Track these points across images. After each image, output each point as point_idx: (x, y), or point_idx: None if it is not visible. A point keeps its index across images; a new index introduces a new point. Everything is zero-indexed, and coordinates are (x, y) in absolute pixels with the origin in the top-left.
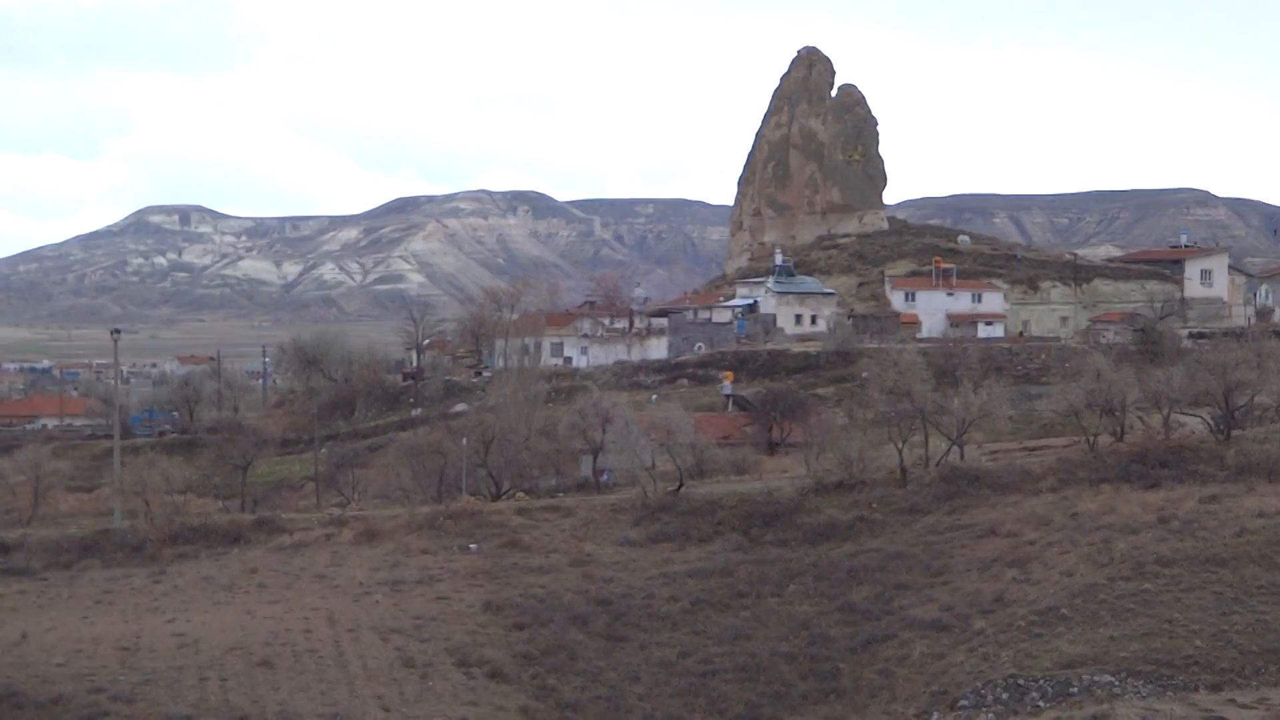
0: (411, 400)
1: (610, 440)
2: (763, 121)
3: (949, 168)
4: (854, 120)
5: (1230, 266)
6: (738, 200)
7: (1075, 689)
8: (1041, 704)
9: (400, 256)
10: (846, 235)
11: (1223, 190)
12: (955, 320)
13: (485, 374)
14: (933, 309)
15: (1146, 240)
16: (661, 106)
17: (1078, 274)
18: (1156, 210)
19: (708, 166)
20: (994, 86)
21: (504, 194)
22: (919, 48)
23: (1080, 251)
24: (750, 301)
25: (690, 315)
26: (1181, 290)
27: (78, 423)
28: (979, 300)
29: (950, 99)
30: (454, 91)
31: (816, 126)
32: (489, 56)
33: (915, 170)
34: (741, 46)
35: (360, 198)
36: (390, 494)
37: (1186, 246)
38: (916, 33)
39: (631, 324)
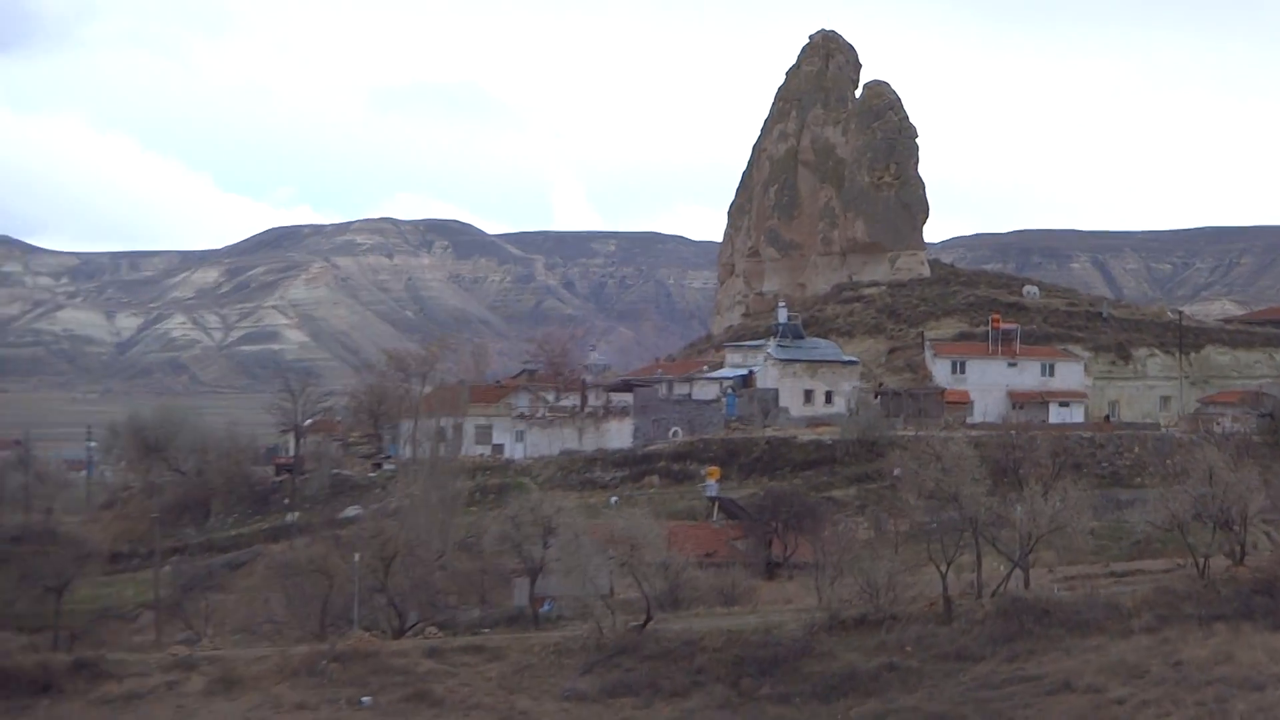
0: (287, 501)
1: (554, 558)
2: (762, 131)
3: (1012, 195)
4: (885, 129)
5: None
6: (728, 236)
7: None
8: None
9: (275, 307)
10: (874, 284)
11: None
12: (1019, 400)
13: (387, 467)
14: (989, 384)
15: (1275, 294)
16: (628, 110)
17: (1184, 339)
18: None
19: (688, 190)
20: (1074, 89)
21: (415, 224)
22: (973, 35)
23: (1187, 309)
24: (744, 372)
25: (663, 390)
26: None
27: None
28: (1051, 373)
29: (1015, 104)
30: (349, 87)
31: (835, 137)
32: (395, 40)
33: (967, 198)
34: (735, 30)
35: (222, 228)
36: (256, 628)
37: None
38: (969, 15)
39: (584, 401)
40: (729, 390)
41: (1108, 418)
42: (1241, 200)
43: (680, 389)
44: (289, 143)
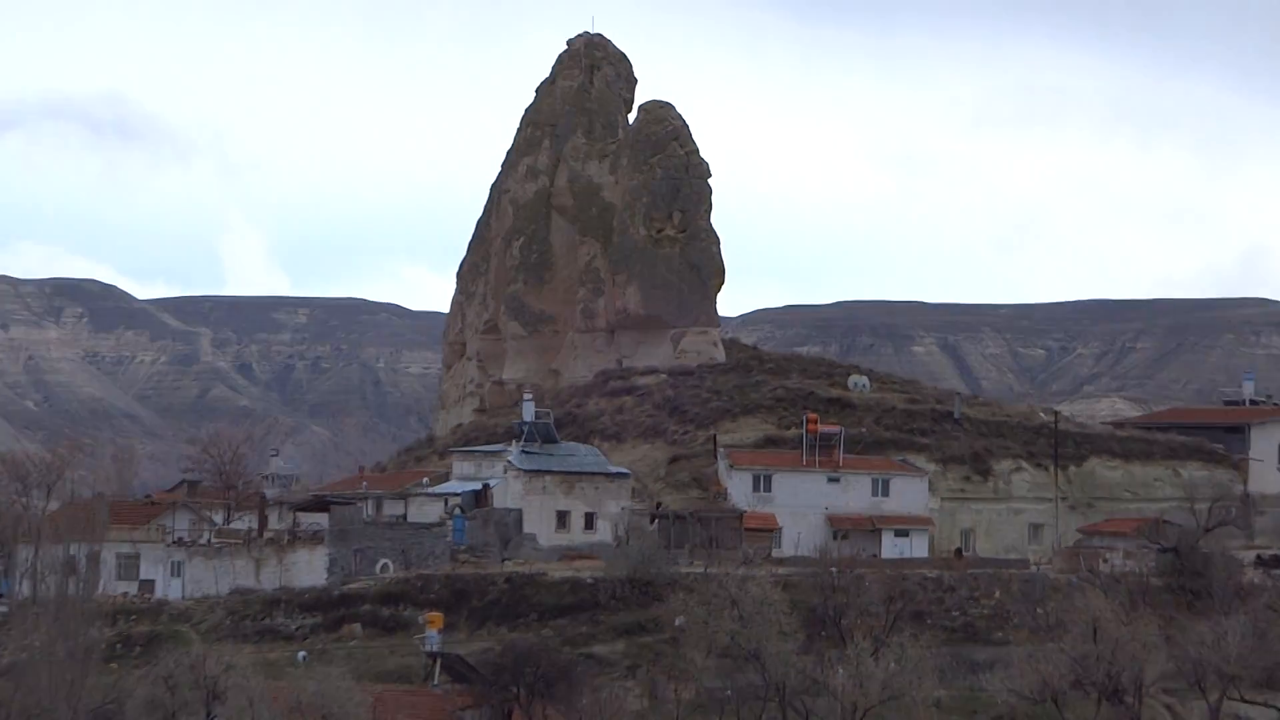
0: None
1: None
2: (504, 166)
3: (835, 256)
4: (667, 166)
5: None
6: (457, 305)
7: None
8: None
9: None
10: (652, 371)
11: None
12: (843, 526)
13: None
14: (803, 506)
15: (1182, 390)
16: (324, 137)
17: (1061, 448)
18: (1200, 336)
19: (403, 245)
20: (920, 117)
21: (39, 285)
22: (787, 42)
23: (1065, 408)
24: (477, 487)
25: (369, 510)
26: (1244, 480)
27: None
28: (885, 492)
29: (841, 137)
30: None
31: (600, 175)
32: (16, 39)
33: (775, 260)
34: (470, 36)
35: None
36: None
37: (1255, 403)
38: (781, 14)
39: (263, 523)
40: (457, 511)
41: (959, 551)
42: (1137, 269)
43: (392, 509)
44: None
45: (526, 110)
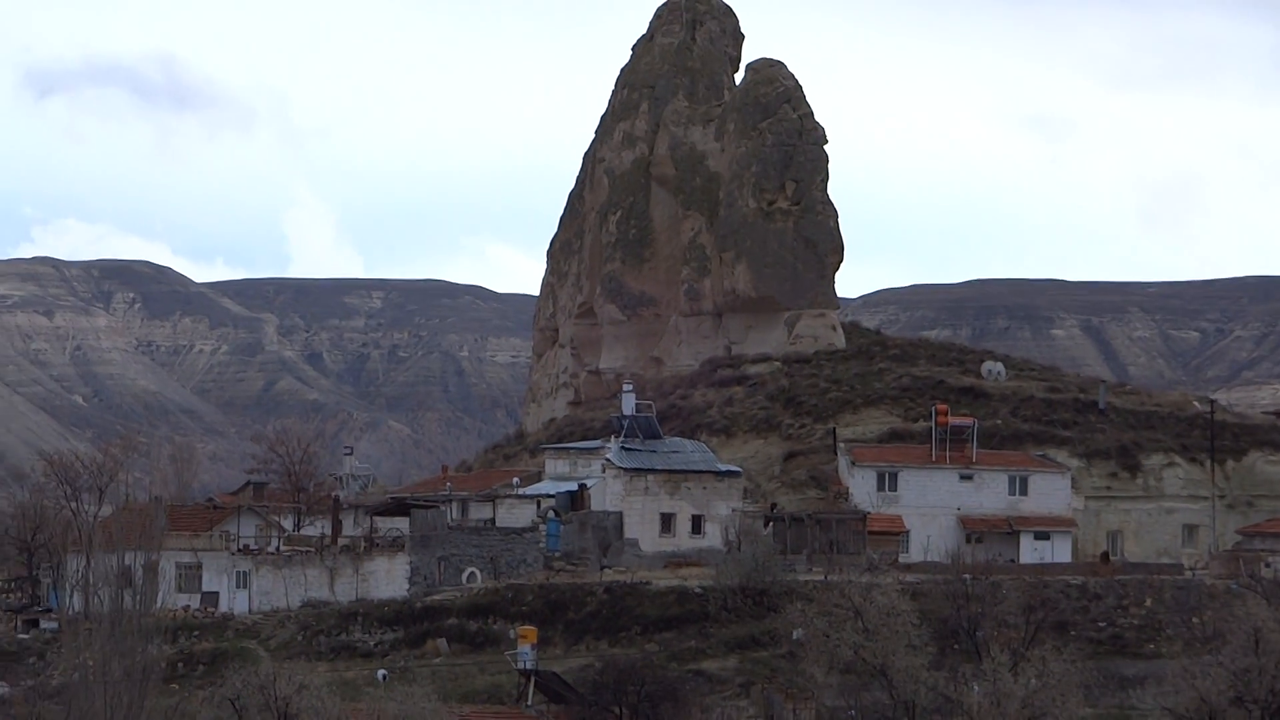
0: None
1: None
2: (598, 133)
3: (967, 231)
4: (779, 131)
5: None
6: (548, 287)
7: None
8: None
9: None
10: (764, 359)
11: None
12: (977, 529)
13: (46, 624)
14: (932, 506)
15: None
16: (397, 104)
17: (1218, 441)
18: None
19: (488, 222)
20: (1059, 81)
21: (87, 267)
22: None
23: (1222, 396)
24: (572, 488)
25: (454, 514)
26: None
27: None
28: (1023, 490)
29: (974, 100)
30: None
31: (705, 142)
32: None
33: (901, 235)
34: None
35: None
36: None
37: None
38: None
39: (337, 529)
40: (550, 514)
41: (1106, 555)
42: None
43: (479, 512)
44: None
45: (622, 70)
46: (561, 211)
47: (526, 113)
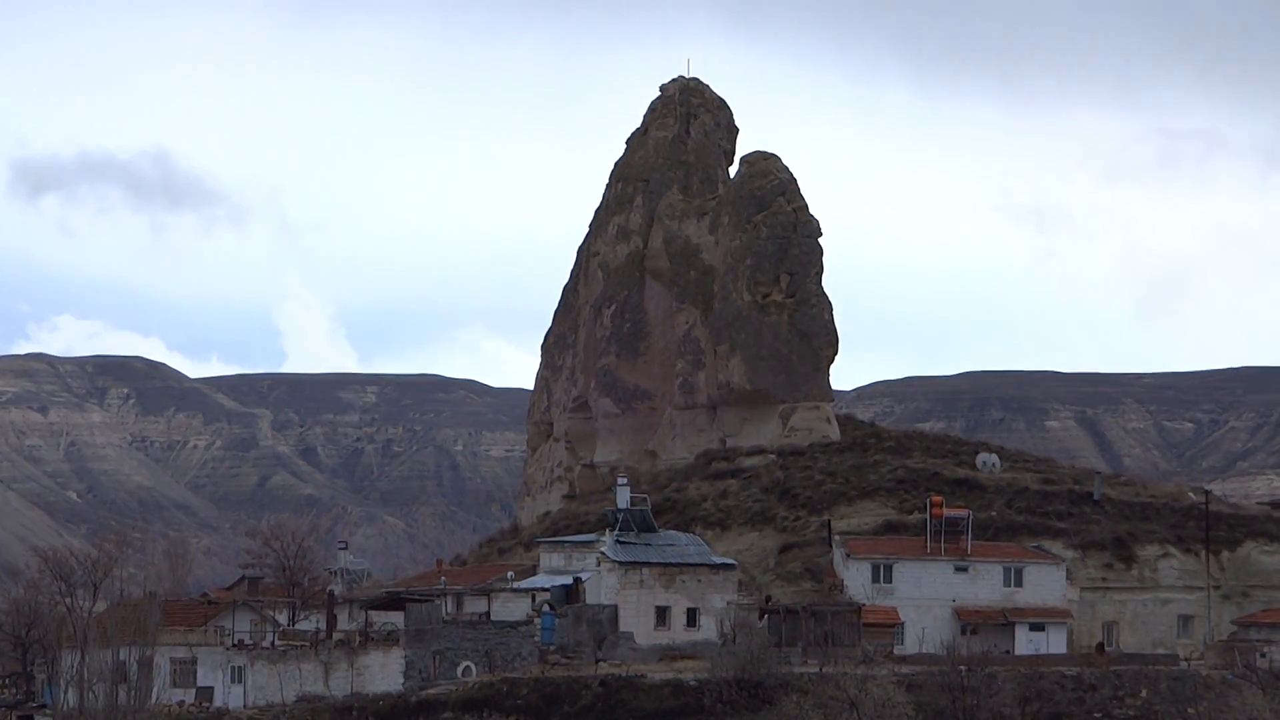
0: None
1: None
2: (592, 226)
3: (960, 324)
4: (773, 224)
5: None
6: (543, 382)
7: None
8: None
9: None
10: (759, 452)
11: None
12: (972, 620)
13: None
14: (928, 598)
15: None
16: (391, 196)
17: (1213, 531)
18: None
19: (482, 315)
20: (1052, 169)
21: (80, 363)
22: (903, 89)
23: (1217, 487)
24: (567, 582)
25: (449, 607)
26: None
27: None
28: (1018, 582)
29: (967, 190)
30: None
31: (699, 235)
32: (53, 97)
33: (895, 327)
34: (553, 80)
35: None
36: None
37: None
38: (897, 59)
39: (332, 624)
40: (545, 608)
41: (1101, 646)
42: None
43: (474, 606)
44: None
45: (616, 164)
46: (556, 305)
47: (520, 207)
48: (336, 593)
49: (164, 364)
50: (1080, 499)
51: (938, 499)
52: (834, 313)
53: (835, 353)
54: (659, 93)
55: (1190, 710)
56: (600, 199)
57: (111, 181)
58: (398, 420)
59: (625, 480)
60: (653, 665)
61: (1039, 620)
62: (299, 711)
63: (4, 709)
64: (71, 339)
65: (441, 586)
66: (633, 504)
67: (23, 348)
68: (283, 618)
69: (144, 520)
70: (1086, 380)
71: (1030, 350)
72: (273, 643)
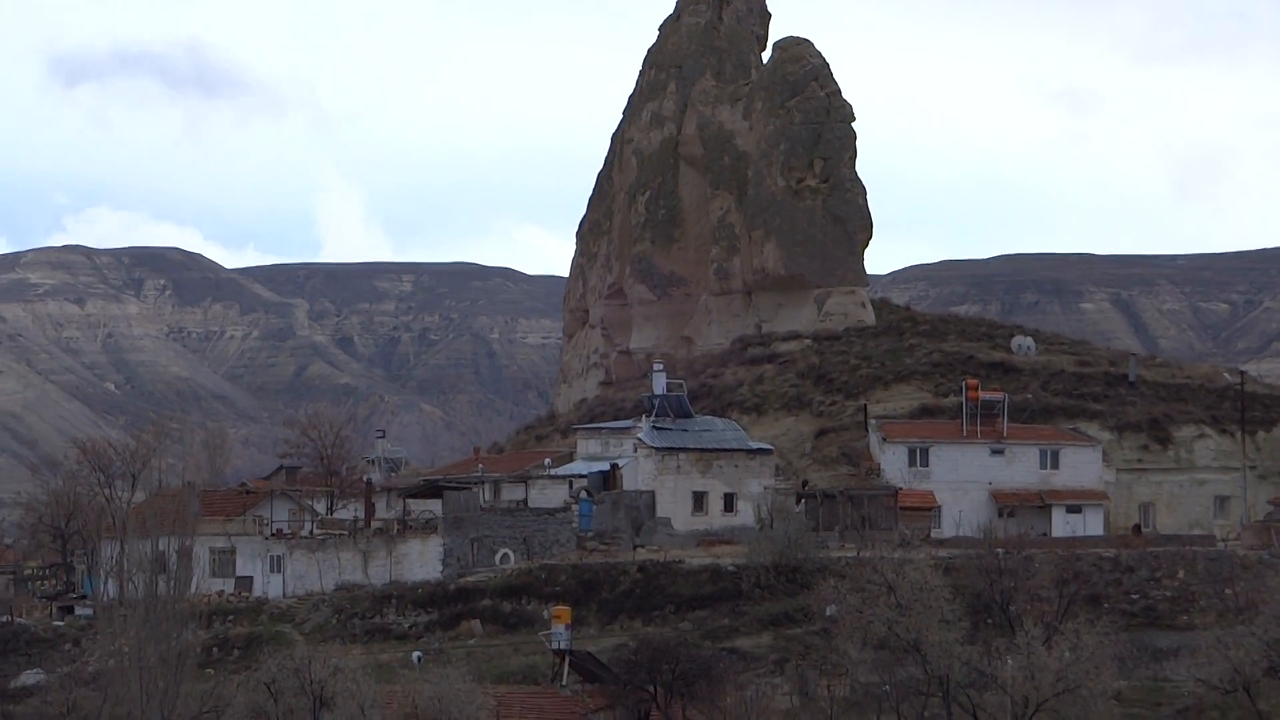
0: None
1: None
2: (626, 113)
3: (995, 206)
4: (807, 109)
5: None
6: (577, 268)
7: None
8: None
9: None
10: (794, 336)
11: None
12: (1009, 503)
13: (81, 611)
14: (964, 481)
15: None
16: (425, 86)
17: (1249, 412)
18: None
19: (517, 203)
20: (1083, 55)
21: (117, 255)
22: None
23: (1253, 367)
24: (604, 468)
25: (486, 495)
26: None
27: None
28: (1054, 464)
29: (1000, 75)
30: (15, 53)
31: (733, 121)
32: None
33: (929, 211)
34: None
35: None
36: None
37: None
38: None
39: (370, 512)
40: (583, 494)
41: (1138, 528)
42: None
43: (511, 493)
44: None
45: (649, 50)
46: (590, 192)
47: (554, 94)
48: (374, 481)
49: (200, 255)
50: (1116, 381)
51: (973, 382)
52: (868, 197)
53: (870, 237)
54: None
55: (1227, 591)
56: (634, 86)
57: (146, 73)
58: (434, 309)
59: (661, 366)
60: (690, 551)
61: (1075, 502)
62: (338, 600)
63: (45, 599)
64: (108, 230)
65: (479, 474)
66: (669, 390)
67: (59, 240)
68: (321, 507)
69: (182, 411)
70: (1121, 262)
71: (1064, 233)
72: (311, 532)
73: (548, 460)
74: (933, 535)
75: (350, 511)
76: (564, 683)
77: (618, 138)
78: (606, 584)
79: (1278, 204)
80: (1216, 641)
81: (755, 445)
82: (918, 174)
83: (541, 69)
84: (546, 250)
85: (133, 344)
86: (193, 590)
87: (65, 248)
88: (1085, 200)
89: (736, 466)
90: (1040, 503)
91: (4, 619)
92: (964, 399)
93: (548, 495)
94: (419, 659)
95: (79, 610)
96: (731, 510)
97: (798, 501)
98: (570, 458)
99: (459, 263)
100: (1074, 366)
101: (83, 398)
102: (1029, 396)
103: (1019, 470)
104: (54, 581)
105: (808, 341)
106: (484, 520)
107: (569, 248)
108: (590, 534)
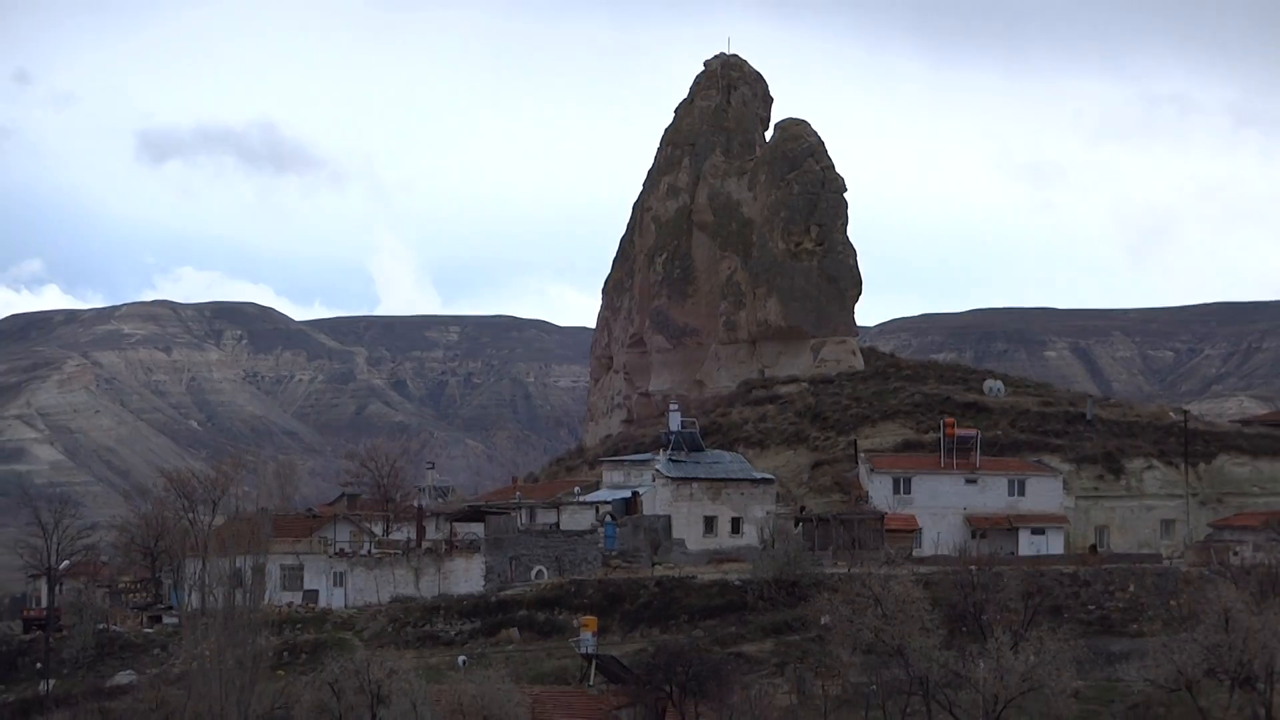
0: (39, 666)
1: None
2: (646, 185)
3: (968, 266)
4: (804, 182)
5: None
6: (603, 321)
7: None
8: None
9: (19, 416)
10: (793, 380)
11: None
12: (981, 526)
13: (168, 620)
14: (941, 507)
15: None
16: (471, 160)
17: (1191, 446)
18: None
19: (551, 263)
20: (1047, 130)
21: (200, 309)
22: (917, 61)
23: (1194, 407)
24: (626, 495)
25: (523, 519)
26: None
27: None
28: (1021, 492)
29: (972, 150)
30: (110, 130)
31: (739, 192)
32: (172, 73)
33: (911, 270)
34: (609, 58)
35: None
36: None
37: None
38: (910, 36)
39: (421, 533)
40: (607, 518)
41: (1094, 548)
42: (1262, 272)
43: (545, 517)
44: (30, 202)
45: (666, 130)
46: (614, 254)
47: (583, 169)
48: (425, 507)
49: (272, 308)
50: (1075, 419)
51: (950, 420)
52: (858, 258)
53: (859, 293)
54: (703, 68)
55: (1172, 602)
56: (652, 161)
57: (226, 150)
58: (477, 356)
59: (676, 406)
60: (702, 567)
61: (1039, 525)
62: (393, 610)
63: (137, 610)
64: (192, 287)
65: (517, 501)
66: (683, 427)
67: (149, 295)
68: (378, 529)
69: (256, 445)
70: (1079, 315)
71: (1030, 289)
72: (369, 551)
73: (577, 488)
74: (914, 554)
75: (404, 533)
76: (591, 683)
77: (638, 206)
78: (629, 597)
79: (1217, 264)
80: (1163, 646)
81: (759, 475)
82: (901, 237)
83: (571, 146)
84: (575, 304)
85: (213, 386)
86: (265, 602)
87: (154, 302)
88: (1048, 260)
89: (742, 494)
90: (1008, 526)
91: (101, 626)
92: (942, 435)
93: (577, 519)
94: (464, 662)
95: (166, 619)
96: (738, 532)
97: (796, 525)
98: (597, 486)
99: (499, 315)
100: (1038, 406)
101: (169, 434)
102: (999, 433)
103: (990, 497)
104: (144, 594)
105: (805, 385)
106: (521, 541)
107: (595, 302)
108: (614, 553)
